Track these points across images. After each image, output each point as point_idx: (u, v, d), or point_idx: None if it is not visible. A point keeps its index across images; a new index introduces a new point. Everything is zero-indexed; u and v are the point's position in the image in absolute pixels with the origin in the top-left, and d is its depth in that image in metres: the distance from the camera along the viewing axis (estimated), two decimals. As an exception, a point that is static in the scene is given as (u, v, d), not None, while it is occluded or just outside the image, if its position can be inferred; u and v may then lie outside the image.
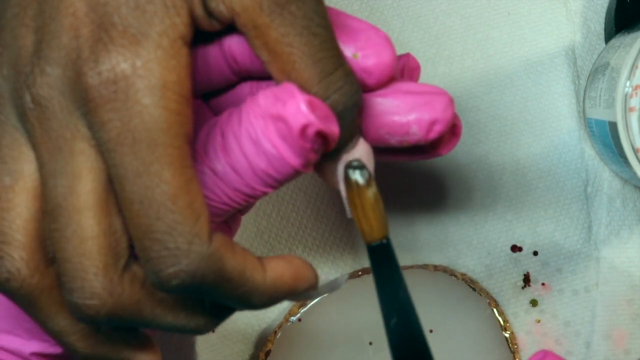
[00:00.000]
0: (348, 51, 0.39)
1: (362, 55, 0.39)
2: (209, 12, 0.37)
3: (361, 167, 0.40)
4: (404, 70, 0.44)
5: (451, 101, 0.41)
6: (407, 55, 0.44)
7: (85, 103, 0.36)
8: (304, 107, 0.37)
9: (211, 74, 0.40)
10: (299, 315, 0.58)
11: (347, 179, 0.40)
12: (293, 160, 0.37)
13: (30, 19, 0.37)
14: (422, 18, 0.58)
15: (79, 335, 0.39)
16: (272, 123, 0.37)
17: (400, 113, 0.40)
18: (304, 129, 0.37)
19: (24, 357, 0.43)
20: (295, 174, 0.38)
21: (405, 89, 0.40)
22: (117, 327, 0.40)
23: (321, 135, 0.37)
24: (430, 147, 0.43)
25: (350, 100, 0.38)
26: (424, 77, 0.58)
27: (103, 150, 0.36)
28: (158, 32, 0.36)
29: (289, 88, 0.37)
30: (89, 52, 0.35)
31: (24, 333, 0.43)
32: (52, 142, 0.37)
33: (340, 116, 0.38)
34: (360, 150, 0.40)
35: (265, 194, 0.39)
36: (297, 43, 0.37)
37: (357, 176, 0.39)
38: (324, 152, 0.39)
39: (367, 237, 0.40)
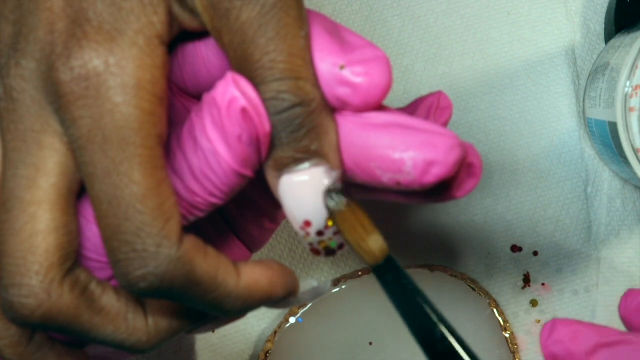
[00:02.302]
0: (335, 63, 0.36)
1: (351, 70, 0.36)
2: (190, 10, 0.37)
3: (336, 191, 0.37)
4: (431, 109, 0.41)
5: (458, 145, 0.36)
6: (439, 93, 0.42)
7: (57, 98, 0.35)
8: (231, 85, 0.35)
9: (212, 71, 0.40)
10: (299, 315, 0.58)
11: (328, 208, 0.37)
12: (225, 152, 0.36)
13: (9, 12, 0.37)
14: (422, 18, 0.58)
15: (9, 341, 0.38)
16: (207, 111, 0.36)
17: (394, 148, 0.36)
18: (229, 105, 0.35)
19: None
20: (234, 176, 0.37)
21: (406, 124, 0.37)
22: (53, 339, 0.39)
23: (248, 119, 0.36)
24: (443, 188, 0.38)
25: (275, 116, 0.36)
26: (424, 77, 0.58)
27: (74, 147, 0.36)
28: (134, 30, 0.35)
29: (226, 74, 0.36)
30: (62, 48, 0.35)
31: None
32: (19, 134, 0.36)
33: (273, 127, 0.36)
34: (310, 178, 0.37)
35: (209, 204, 0.37)
36: (240, 50, 0.36)
37: (332, 204, 0.37)
38: (260, 158, 0.37)
39: (368, 261, 0.38)
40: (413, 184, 0.37)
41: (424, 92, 0.58)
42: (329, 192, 0.37)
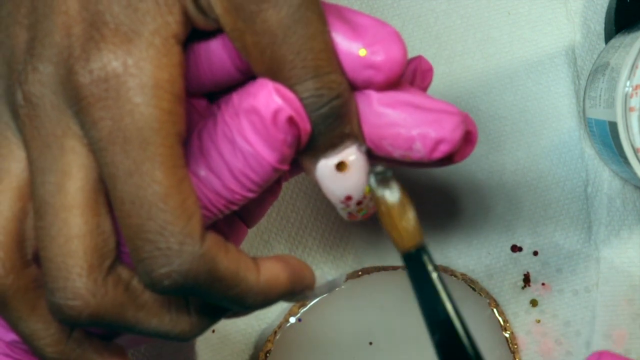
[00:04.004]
0: (354, 47, 0.38)
1: (370, 51, 0.38)
2: (202, 10, 0.37)
3: (383, 172, 0.39)
4: (416, 72, 0.43)
5: (462, 121, 0.39)
6: (419, 57, 0.44)
7: (77, 101, 0.36)
8: (274, 94, 0.36)
9: (215, 72, 0.40)
10: (299, 315, 0.58)
11: (371, 188, 0.39)
12: (268, 155, 0.37)
13: (23, 17, 0.37)
14: (422, 18, 0.58)
15: (49, 339, 0.39)
16: (245, 118, 0.37)
17: (405, 127, 0.39)
18: (275, 115, 0.36)
19: (3, 346, 0.43)
20: (273, 172, 0.38)
21: (416, 103, 0.39)
22: (91, 333, 0.40)
23: (293, 125, 0.37)
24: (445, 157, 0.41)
25: (314, 113, 0.37)
26: (424, 77, 0.58)
27: (95, 148, 0.36)
28: (150, 31, 0.36)
29: (260, 81, 0.37)
30: (80, 51, 0.35)
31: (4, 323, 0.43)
32: (42, 140, 0.37)
33: (312, 123, 0.38)
34: (345, 158, 0.39)
35: (245, 198, 0.38)
36: (269, 51, 0.37)
37: (379, 185, 0.39)
38: (298, 150, 0.38)
39: (398, 246, 0.39)
40: (422, 159, 0.39)
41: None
42: (375, 173, 0.39)
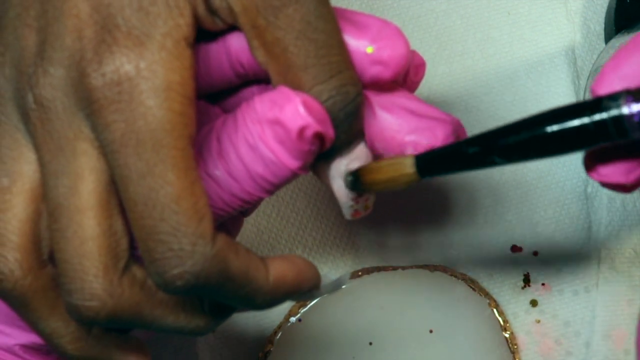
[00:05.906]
0: (361, 45, 0.39)
1: (376, 48, 0.39)
2: (212, 11, 0.37)
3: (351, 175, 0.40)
4: (409, 67, 0.44)
5: (454, 130, 0.40)
6: (412, 52, 0.44)
7: (89, 104, 0.36)
8: (301, 110, 0.37)
9: (212, 75, 0.40)
10: (299, 315, 0.58)
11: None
12: (291, 163, 0.38)
13: (32, 19, 0.37)
14: (422, 18, 0.58)
15: (70, 337, 0.39)
16: (269, 127, 0.37)
17: (400, 132, 0.40)
18: (301, 131, 0.37)
19: (10, 349, 0.43)
20: (293, 176, 0.38)
21: (412, 108, 0.40)
22: (109, 329, 0.40)
23: (319, 137, 0.37)
24: None
25: (342, 110, 0.38)
26: (424, 78, 0.58)
27: (107, 151, 0.36)
28: (162, 34, 0.36)
29: (286, 92, 0.37)
30: (92, 54, 0.36)
31: (15, 328, 0.43)
32: (54, 143, 0.37)
33: (334, 122, 0.38)
34: (356, 155, 0.40)
35: (260, 199, 0.39)
36: (292, 47, 0.37)
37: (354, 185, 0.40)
38: (319, 153, 0.39)
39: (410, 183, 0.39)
40: None
41: (424, 92, 0.58)
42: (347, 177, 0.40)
